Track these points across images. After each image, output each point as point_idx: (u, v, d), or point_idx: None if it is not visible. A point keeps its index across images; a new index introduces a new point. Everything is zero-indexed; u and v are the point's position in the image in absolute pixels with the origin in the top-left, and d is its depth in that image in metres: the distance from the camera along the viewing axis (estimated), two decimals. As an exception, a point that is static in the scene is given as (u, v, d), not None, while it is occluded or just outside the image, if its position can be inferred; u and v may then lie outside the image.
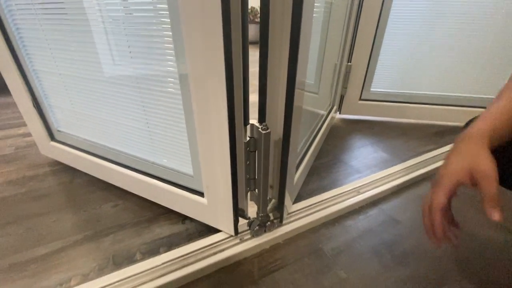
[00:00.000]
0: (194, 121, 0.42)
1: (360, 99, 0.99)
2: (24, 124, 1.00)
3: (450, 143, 0.83)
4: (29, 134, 0.93)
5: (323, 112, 0.84)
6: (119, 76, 0.48)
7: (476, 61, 0.88)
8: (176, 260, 0.46)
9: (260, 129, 0.41)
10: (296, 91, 0.39)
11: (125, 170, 0.59)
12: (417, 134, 0.93)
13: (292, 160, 0.48)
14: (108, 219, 0.56)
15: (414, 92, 0.96)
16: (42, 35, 0.53)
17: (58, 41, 0.52)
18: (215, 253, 0.47)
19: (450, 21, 0.83)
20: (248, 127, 0.43)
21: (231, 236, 0.50)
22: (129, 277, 0.43)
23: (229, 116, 0.37)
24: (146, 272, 0.44)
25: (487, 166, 0.28)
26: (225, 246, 0.49)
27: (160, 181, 0.55)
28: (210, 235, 0.51)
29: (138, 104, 0.49)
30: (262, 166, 0.44)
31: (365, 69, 0.93)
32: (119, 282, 0.43)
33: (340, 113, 1.04)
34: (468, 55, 0.87)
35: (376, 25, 0.86)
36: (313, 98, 0.64)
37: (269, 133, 0.41)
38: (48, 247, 0.50)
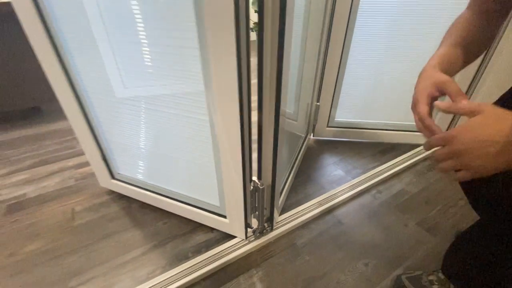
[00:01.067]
0: (223, 182, 0.74)
1: (327, 126, 1.33)
2: (71, 156, 1.28)
3: (391, 159, 1.18)
4: (80, 166, 1.21)
5: (301, 140, 1.18)
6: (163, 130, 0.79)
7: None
8: (212, 256, 0.80)
9: (259, 185, 0.74)
10: (278, 160, 0.72)
11: (171, 200, 0.91)
12: (367, 152, 1.29)
13: (277, 194, 0.82)
14: (163, 232, 0.89)
15: (368, 121, 1.30)
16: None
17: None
18: (234, 250, 0.82)
19: (402, 65, 1.13)
20: (252, 182, 0.76)
21: (243, 239, 0.85)
22: (188, 268, 0.77)
23: (243, 179, 0.70)
24: (197, 265, 0.78)
25: (444, 76, 0.39)
26: (239, 246, 0.83)
27: (196, 208, 0.88)
28: (230, 240, 0.85)
29: (180, 160, 0.81)
30: (260, 200, 0.78)
31: (330, 107, 1.26)
32: (184, 271, 0.77)
33: (313, 136, 1.38)
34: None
35: (337, 71, 1.17)
36: (293, 127, 0.97)
37: (264, 188, 0.74)
38: (134, 253, 0.83)
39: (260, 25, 0.53)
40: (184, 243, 0.86)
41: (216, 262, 0.79)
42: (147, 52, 0.63)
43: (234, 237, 0.86)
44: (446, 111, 0.37)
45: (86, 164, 1.23)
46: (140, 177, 0.95)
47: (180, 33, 0.56)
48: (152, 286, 0.73)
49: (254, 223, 0.86)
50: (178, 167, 0.83)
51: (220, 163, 0.71)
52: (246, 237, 0.85)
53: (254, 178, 0.76)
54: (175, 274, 0.76)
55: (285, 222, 0.91)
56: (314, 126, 1.33)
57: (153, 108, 0.72)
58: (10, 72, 1.45)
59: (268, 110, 0.63)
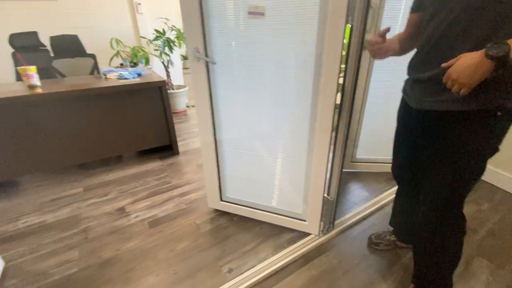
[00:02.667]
0: (308, 197, 1.27)
1: (351, 161, 1.89)
2: (172, 188, 1.78)
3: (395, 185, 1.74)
4: (182, 195, 1.71)
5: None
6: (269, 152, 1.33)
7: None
8: (300, 245, 1.29)
9: (329, 199, 1.27)
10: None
11: (263, 212, 1.42)
12: (382, 179, 1.84)
13: (338, 208, 1.35)
14: (262, 234, 1.38)
15: (379, 157, 1.88)
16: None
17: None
18: (313, 241, 1.31)
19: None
20: (324, 197, 1.29)
21: (317, 235, 1.35)
22: (287, 252, 1.26)
23: (323, 195, 1.23)
24: (292, 250, 1.27)
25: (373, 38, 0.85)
26: (316, 239, 1.33)
27: (283, 215, 1.38)
28: (308, 236, 1.35)
29: (277, 185, 1.34)
30: (329, 209, 1.30)
31: (352, 147, 1.84)
32: (285, 254, 1.25)
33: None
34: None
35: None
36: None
37: (332, 200, 1.28)
38: (249, 246, 1.30)
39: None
40: (278, 239, 1.34)
41: (303, 248, 1.27)
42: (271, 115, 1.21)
43: (310, 234, 1.36)
44: (444, 65, 0.66)
45: (187, 193, 1.73)
46: (242, 197, 1.46)
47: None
48: (271, 262, 1.21)
49: (321, 224, 1.36)
50: (274, 189, 1.35)
51: (309, 186, 1.25)
52: (319, 234, 1.35)
53: (325, 194, 1.29)
54: (280, 256, 1.24)
55: (339, 224, 1.42)
56: (342, 162, 1.90)
57: (263, 150, 1.28)
58: (131, 127, 2.00)
59: (339, 155, 1.20)
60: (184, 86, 3.34)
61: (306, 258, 1.25)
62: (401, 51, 0.93)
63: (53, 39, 2.29)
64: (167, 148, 2.29)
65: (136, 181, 1.89)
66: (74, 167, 2.10)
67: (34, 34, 2.31)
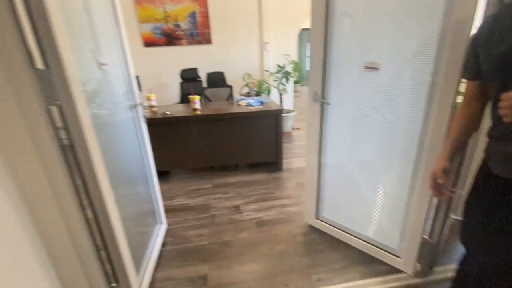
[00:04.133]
0: (406, 235, 1.31)
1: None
2: (275, 199, 2.12)
3: None
4: (283, 206, 2.02)
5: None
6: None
7: None
8: (389, 280, 1.33)
9: (430, 241, 1.27)
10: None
11: (356, 239, 1.52)
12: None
13: (439, 250, 1.31)
14: (352, 257, 1.49)
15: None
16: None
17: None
18: (405, 280, 1.32)
19: None
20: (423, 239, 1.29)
21: (410, 275, 1.34)
22: (375, 282, 1.32)
23: (421, 236, 1.25)
24: (380, 282, 1.32)
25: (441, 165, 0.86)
26: (409, 278, 1.33)
27: (376, 246, 1.44)
28: (401, 273, 1.36)
29: (375, 213, 1.42)
30: (428, 251, 1.28)
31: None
32: (373, 283, 1.32)
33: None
34: None
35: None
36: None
37: (433, 243, 1.26)
38: (339, 264, 1.45)
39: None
40: (368, 268, 1.42)
41: (394, 283, 1.31)
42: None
43: (403, 272, 1.37)
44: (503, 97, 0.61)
45: (286, 205, 2.03)
46: (336, 220, 1.62)
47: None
48: (358, 284, 1.31)
49: (417, 266, 1.35)
50: (371, 219, 1.45)
51: (407, 224, 1.29)
52: (413, 274, 1.34)
53: (425, 236, 1.29)
54: (369, 282, 1.32)
55: (442, 272, 1.35)
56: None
57: (364, 181, 1.41)
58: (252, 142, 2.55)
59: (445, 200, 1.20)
60: (293, 111, 3.76)
61: (395, 294, 1.28)
62: (468, 134, 0.89)
63: (209, 75, 3.17)
64: (273, 164, 2.69)
65: (248, 187, 2.35)
66: (207, 169, 2.80)
67: (195, 69, 3.26)
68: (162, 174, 2.65)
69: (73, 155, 0.88)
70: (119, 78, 1.29)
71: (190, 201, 2.15)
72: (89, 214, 0.95)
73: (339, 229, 1.61)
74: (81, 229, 0.94)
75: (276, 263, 1.48)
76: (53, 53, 0.77)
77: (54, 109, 0.81)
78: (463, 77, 0.93)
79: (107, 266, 1.05)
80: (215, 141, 2.49)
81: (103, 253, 1.02)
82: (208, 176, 2.59)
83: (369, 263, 1.45)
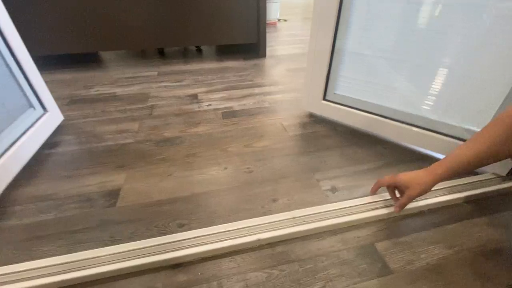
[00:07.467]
0: None
1: None
2: (254, 86, 1.37)
3: None
4: (265, 94, 1.28)
5: None
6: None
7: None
8: (464, 185, 0.71)
9: None
10: None
11: (393, 122, 0.85)
12: None
13: None
14: (388, 155, 0.85)
15: None
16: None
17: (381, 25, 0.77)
18: (491, 184, 0.71)
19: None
20: None
21: (501, 177, 0.73)
22: (441, 189, 0.71)
23: None
24: (448, 190, 0.71)
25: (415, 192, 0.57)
26: (497, 182, 0.72)
27: (437, 132, 0.79)
28: (482, 173, 0.74)
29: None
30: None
31: None
32: (438, 191, 0.70)
33: None
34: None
35: None
36: None
37: None
38: (365, 166, 0.80)
39: None
40: (406, 168, 0.79)
41: (475, 190, 0.69)
42: None
43: (486, 172, 0.75)
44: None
45: (271, 93, 1.30)
46: (357, 96, 0.92)
47: None
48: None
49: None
50: (432, 84, 0.75)
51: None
52: (505, 176, 0.73)
53: None
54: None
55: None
56: None
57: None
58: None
59: None
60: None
61: (479, 206, 0.68)
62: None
63: None
64: (252, 48, 1.86)
65: (214, 74, 1.55)
66: (155, 54, 1.91)
67: None
68: (86, 58, 1.77)
69: None
70: None
71: (119, 90, 1.35)
72: None
73: (363, 110, 0.92)
74: None
75: (254, 166, 0.81)
76: None
77: None
78: None
79: None
80: (165, 12, 1.54)
81: None
82: (155, 63, 1.74)
83: (420, 161, 0.82)
